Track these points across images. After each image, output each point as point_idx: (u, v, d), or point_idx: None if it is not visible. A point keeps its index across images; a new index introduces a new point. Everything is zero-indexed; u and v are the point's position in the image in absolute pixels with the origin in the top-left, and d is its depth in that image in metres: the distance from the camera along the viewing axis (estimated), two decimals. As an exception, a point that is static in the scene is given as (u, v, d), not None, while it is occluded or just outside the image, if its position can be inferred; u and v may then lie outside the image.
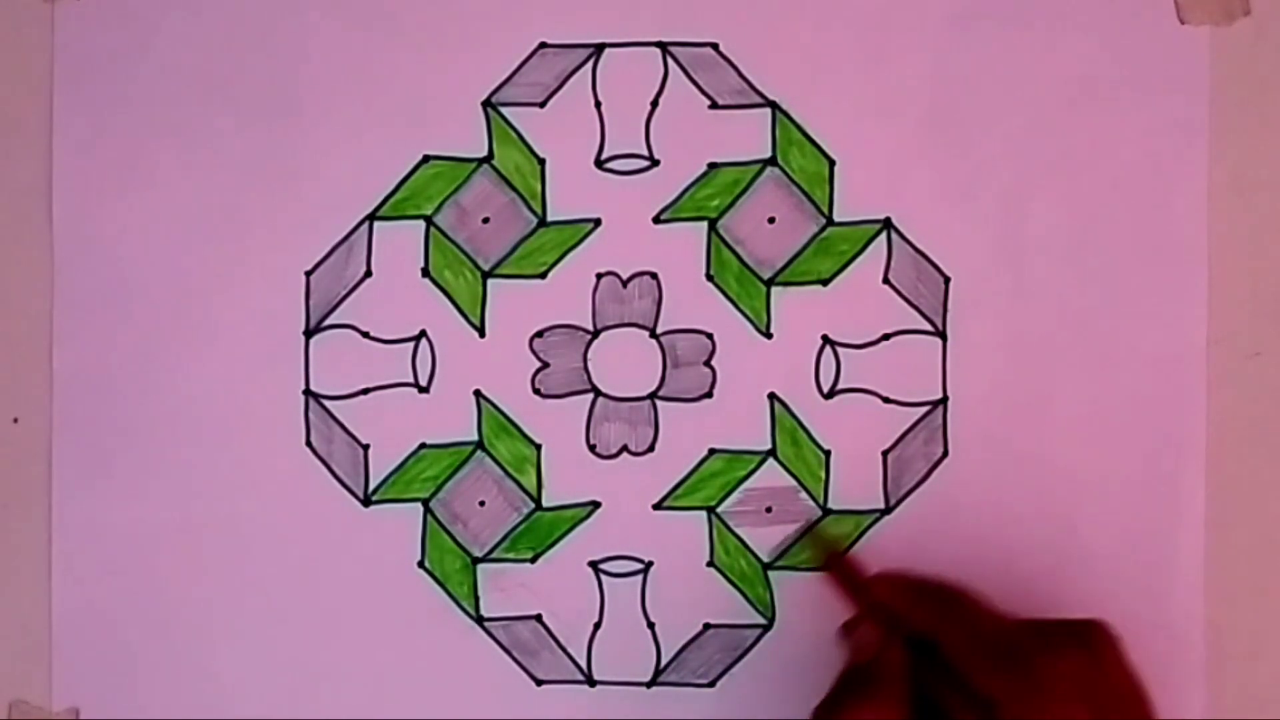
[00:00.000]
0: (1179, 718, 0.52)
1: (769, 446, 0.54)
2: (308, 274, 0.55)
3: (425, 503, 0.55)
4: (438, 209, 0.55)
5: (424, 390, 0.55)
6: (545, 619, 0.54)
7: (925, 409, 0.54)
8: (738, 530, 0.54)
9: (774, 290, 0.54)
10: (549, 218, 0.55)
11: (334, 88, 0.55)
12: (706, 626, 0.54)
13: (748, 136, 0.54)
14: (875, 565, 0.52)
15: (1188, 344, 0.53)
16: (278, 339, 0.55)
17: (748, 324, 0.54)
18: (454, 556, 0.55)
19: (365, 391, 0.55)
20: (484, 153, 0.55)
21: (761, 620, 0.54)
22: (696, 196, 0.54)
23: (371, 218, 0.55)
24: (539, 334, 0.55)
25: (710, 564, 0.54)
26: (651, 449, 0.54)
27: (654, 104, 0.54)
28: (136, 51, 0.55)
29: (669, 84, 0.54)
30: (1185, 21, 0.53)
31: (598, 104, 0.54)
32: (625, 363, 0.54)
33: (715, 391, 0.54)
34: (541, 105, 0.54)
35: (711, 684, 0.54)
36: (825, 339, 0.54)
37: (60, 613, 0.55)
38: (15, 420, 0.55)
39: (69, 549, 0.55)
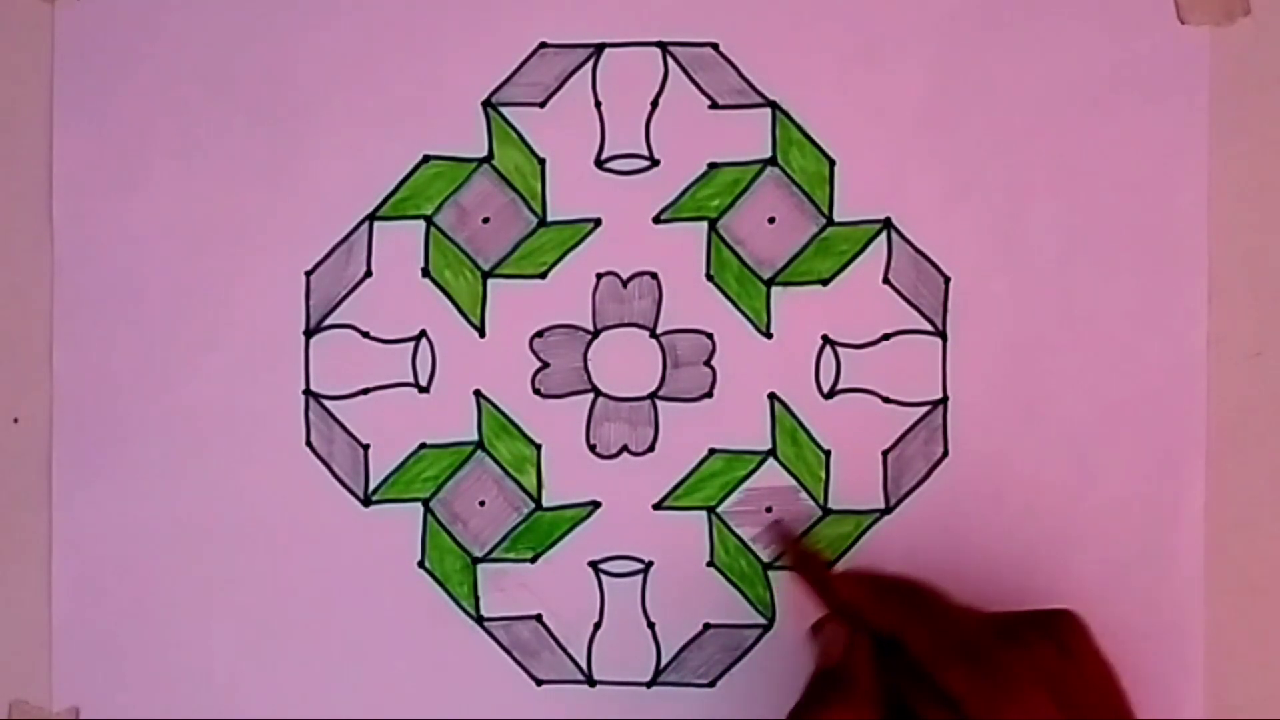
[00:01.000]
0: (1179, 718, 0.52)
1: (769, 446, 0.54)
2: (308, 274, 0.55)
3: (425, 503, 0.55)
4: (438, 209, 0.55)
5: (424, 390, 0.55)
6: (545, 619, 0.54)
7: (925, 409, 0.54)
8: (738, 530, 0.54)
9: (774, 290, 0.54)
10: (549, 218, 0.55)
11: (334, 88, 0.55)
12: (706, 626, 0.54)
13: (748, 136, 0.54)
14: (880, 566, 0.52)
15: (1188, 344, 0.53)
16: (278, 339, 0.55)
17: (748, 324, 0.54)
18: (454, 556, 0.55)
19: (365, 391, 0.55)
20: (484, 153, 0.55)
21: (761, 620, 0.54)
22: (696, 196, 0.54)
23: (371, 218, 0.55)
24: (539, 334, 0.55)
25: (710, 564, 0.54)
26: (651, 449, 0.54)
27: (654, 104, 0.54)
28: (136, 51, 0.55)
29: (669, 84, 0.54)
30: (1185, 21, 0.53)
31: (598, 104, 0.54)
32: (625, 363, 0.54)
33: (715, 391, 0.54)
34: (541, 105, 0.54)
35: (711, 684, 0.54)
36: (825, 339, 0.54)
37: (60, 613, 0.55)
38: (15, 420, 0.55)
39: (69, 549, 0.55)
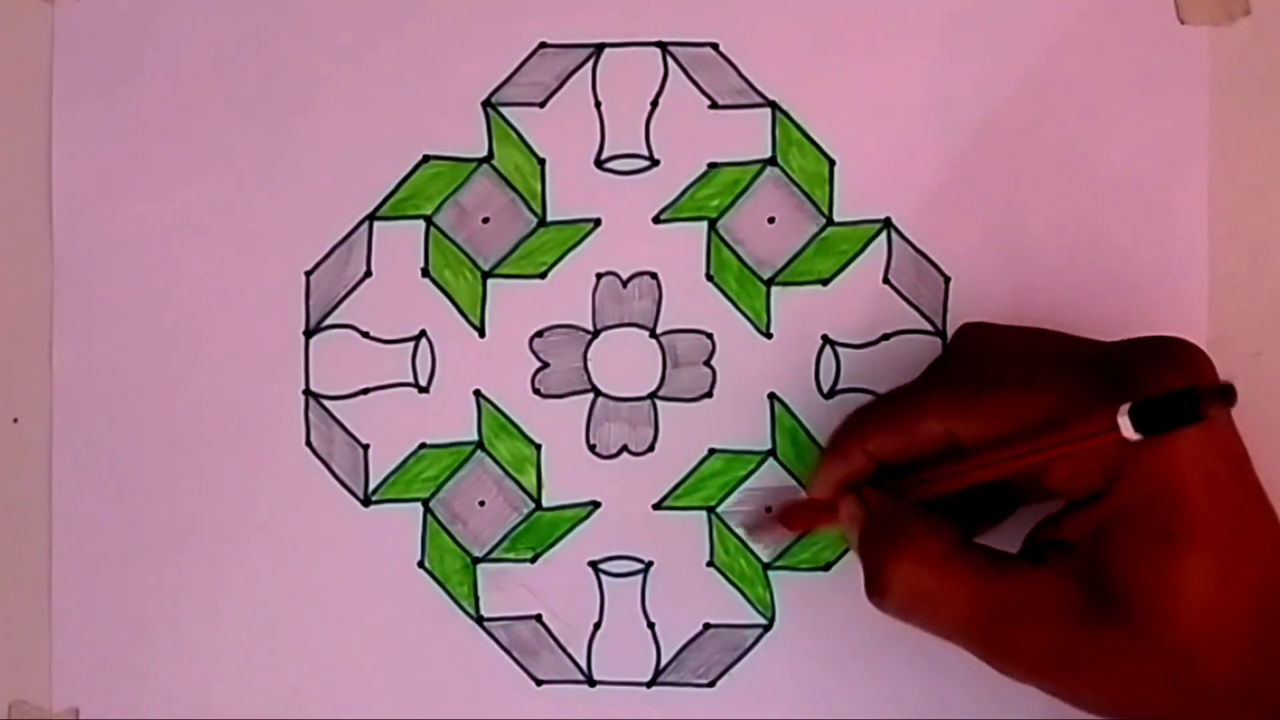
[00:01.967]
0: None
1: (769, 446, 0.54)
2: (308, 274, 0.55)
3: (425, 503, 0.55)
4: (438, 209, 0.55)
5: (424, 390, 0.55)
6: (545, 619, 0.54)
7: (925, 409, 0.54)
8: (738, 530, 0.54)
9: (774, 290, 0.54)
10: (549, 218, 0.55)
11: (334, 87, 0.55)
12: (706, 626, 0.54)
13: (748, 136, 0.54)
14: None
15: (1188, 344, 0.53)
16: (278, 339, 0.55)
17: (748, 324, 0.54)
18: (454, 556, 0.55)
19: (365, 391, 0.55)
20: (484, 153, 0.55)
21: (761, 620, 0.54)
22: (696, 196, 0.54)
23: (371, 218, 0.55)
24: (539, 334, 0.55)
25: (710, 564, 0.54)
26: (651, 449, 0.54)
27: (654, 104, 0.54)
28: (136, 51, 0.55)
29: (669, 84, 0.54)
30: (1185, 21, 0.53)
31: (598, 104, 0.54)
32: (625, 363, 0.54)
33: (715, 391, 0.54)
34: (541, 105, 0.54)
35: (711, 684, 0.54)
36: (825, 339, 0.54)
37: (60, 613, 0.55)
38: (15, 420, 0.55)
39: (69, 549, 0.55)
